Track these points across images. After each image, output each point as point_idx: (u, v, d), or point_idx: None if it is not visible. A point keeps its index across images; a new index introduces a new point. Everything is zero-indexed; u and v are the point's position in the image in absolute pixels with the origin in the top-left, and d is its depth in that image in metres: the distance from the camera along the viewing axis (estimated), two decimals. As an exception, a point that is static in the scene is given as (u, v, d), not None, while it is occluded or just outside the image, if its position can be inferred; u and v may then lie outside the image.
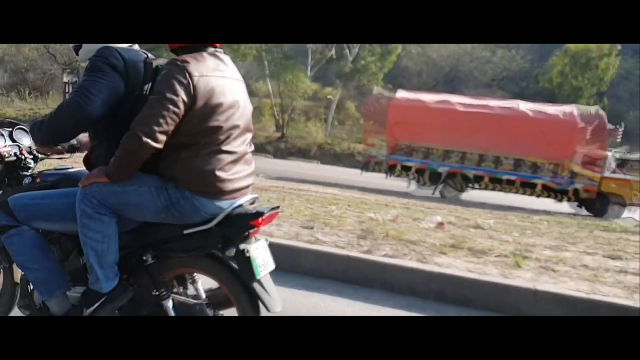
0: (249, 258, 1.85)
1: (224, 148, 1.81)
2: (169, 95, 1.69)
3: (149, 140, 1.68)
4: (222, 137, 1.80)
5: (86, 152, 2.44)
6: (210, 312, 1.97)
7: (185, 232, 1.85)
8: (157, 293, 1.94)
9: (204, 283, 2.10)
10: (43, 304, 2.00)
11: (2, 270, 2.34)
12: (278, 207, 1.94)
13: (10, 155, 2.18)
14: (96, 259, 1.82)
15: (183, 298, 2.00)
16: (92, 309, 1.86)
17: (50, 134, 1.84)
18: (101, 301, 1.86)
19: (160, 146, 1.71)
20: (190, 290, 2.11)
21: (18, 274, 2.32)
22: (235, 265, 1.94)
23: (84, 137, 2.47)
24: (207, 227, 1.84)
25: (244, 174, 1.89)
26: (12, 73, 24.36)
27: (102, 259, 1.83)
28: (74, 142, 2.42)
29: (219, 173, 1.80)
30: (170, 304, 1.94)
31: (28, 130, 2.40)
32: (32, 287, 2.13)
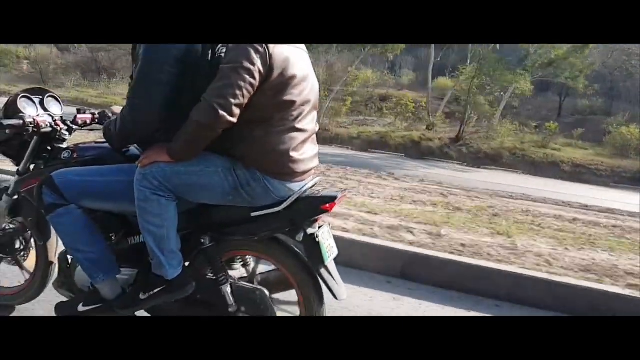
0: (317, 243, 1.75)
1: (297, 125, 1.67)
2: (246, 64, 1.53)
3: (224, 114, 1.53)
4: (295, 113, 1.66)
5: None
6: (269, 297, 1.87)
7: (253, 214, 1.73)
8: (214, 277, 1.83)
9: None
10: (92, 287, 1.86)
11: (35, 248, 2.19)
12: (345, 190, 1.83)
13: (46, 125, 1.99)
14: (155, 244, 1.69)
15: (241, 283, 1.89)
16: (150, 293, 1.74)
17: (119, 142, 1.77)
18: (162, 287, 1.74)
19: (234, 120, 1.56)
20: (239, 273, 2.01)
21: (52, 252, 2.18)
22: (296, 249, 1.84)
23: (119, 108, 2.29)
24: (275, 209, 1.72)
25: (312, 154, 1.76)
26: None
27: (162, 244, 1.70)
28: (107, 112, 2.25)
29: (292, 153, 1.66)
30: (228, 289, 1.83)
31: (58, 97, 2.21)
32: (69, 267, 2.00)
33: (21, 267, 2.25)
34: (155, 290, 1.74)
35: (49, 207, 1.77)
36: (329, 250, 1.80)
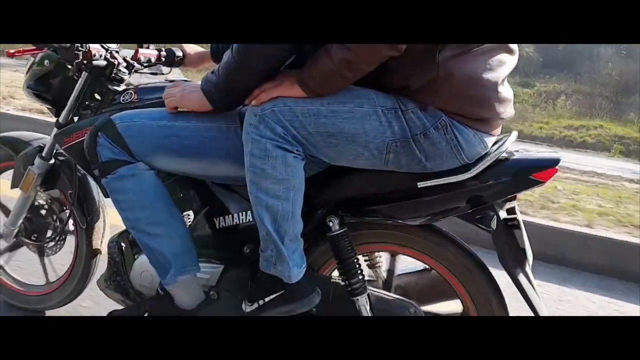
0: (520, 235, 1.13)
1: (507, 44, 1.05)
2: None
3: None
4: None
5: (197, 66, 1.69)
6: (423, 314, 1.24)
7: (420, 184, 1.10)
8: (347, 283, 1.21)
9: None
10: (161, 290, 1.26)
11: (75, 233, 1.60)
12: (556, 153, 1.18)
13: (100, 55, 1.40)
14: (274, 226, 1.08)
15: (384, 293, 1.27)
16: (259, 303, 1.13)
17: (229, 90, 1.09)
18: (277, 294, 1.12)
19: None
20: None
21: (98, 237, 1.58)
22: (462, 241, 1.22)
23: (191, 46, 1.70)
24: (460, 177, 1.09)
25: (511, 93, 1.13)
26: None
27: (283, 227, 1.08)
28: (176, 50, 1.65)
29: (501, 88, 1.04)
30: (365, 301, 1.20)
31: None
32: (124, 258, 1.40)
33: (42, 262, 1.67)
34: (267, 299, 1.12)
35: (107, 165, 1.16)
36: (528, 245, 1.17)
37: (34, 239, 1.62)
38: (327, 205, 1.20)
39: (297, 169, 1.07)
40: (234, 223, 1.29)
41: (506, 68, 1.05)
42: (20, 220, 1.60)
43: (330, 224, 1.19)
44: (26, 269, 1.77)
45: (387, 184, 1.14)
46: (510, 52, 1.06)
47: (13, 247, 1.68)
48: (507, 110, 1.07)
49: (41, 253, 1.65)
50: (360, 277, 1.21)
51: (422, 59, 1.00)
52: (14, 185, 1.58)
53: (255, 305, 1.13)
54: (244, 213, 1.28)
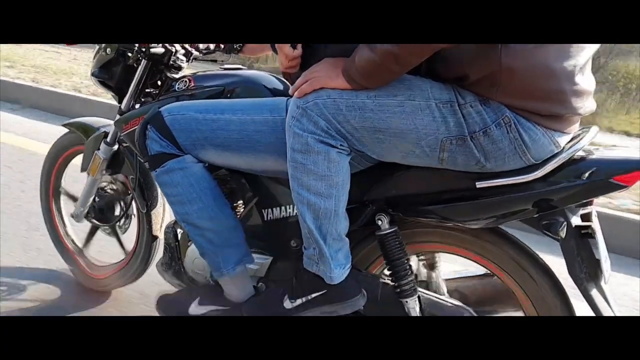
0: (594, 244, 0.99)
1: None
2: None
3: None
4: None
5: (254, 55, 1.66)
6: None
7: (479, 184, 1.00)
8: (395, 284, 1.14)
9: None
10: (212, 281, 1.27)
11: (137, 217, 1.66)
12: None
13: (157, 43, 1.42)
14: (315, 224, 1.03)
15: (435, 296, 1.18)
16: (301, 301, 1.10)
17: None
18: (320, 293, 1.08)
19: None
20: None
21: (158, 223, 1.63)
22: (526, 245, 1.10)
23: None
24: (525, 177, 0.97)
25: (593, 84, 0.98)
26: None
27: (326, 226, 1.04)
28: None
29: (578, 77, 0.91)
30: (416, 304, 1.13)
31: None
32: (178, 245, 1.42)
33: (119, 241, 1.74)
34: (310, 297, 1.09)
35: (155, 158, 1.17)
36: (605, 256, 1.03)
37: (104, 220, 1.71)
38: (377, 202, 1.13)
39: (340, 165, 1.01)
40: (282, 216, 1.26)
41: (585, 53, 0.90)
42: (89, 202, 1.69)
43: (380, 222, 1.13)
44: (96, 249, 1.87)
45: (442, 182, 1.04)
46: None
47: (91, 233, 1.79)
48: (586, 105, 0.93)
49: (111, 233, 1.74)
50: (411, 278, 1.13)
51: (482, 45, 0.89)
52: (83, 168, 1.66)
53: (298, 301, 1.10)
54: (292, 206, 1.25)
